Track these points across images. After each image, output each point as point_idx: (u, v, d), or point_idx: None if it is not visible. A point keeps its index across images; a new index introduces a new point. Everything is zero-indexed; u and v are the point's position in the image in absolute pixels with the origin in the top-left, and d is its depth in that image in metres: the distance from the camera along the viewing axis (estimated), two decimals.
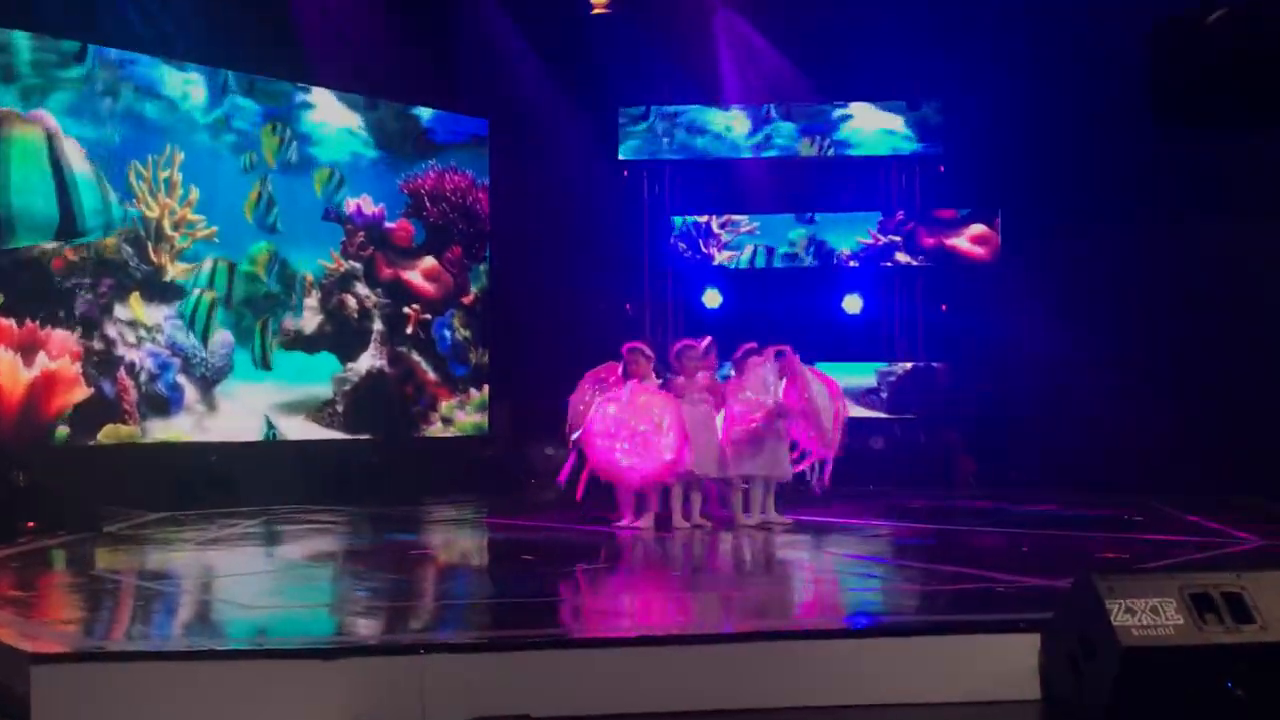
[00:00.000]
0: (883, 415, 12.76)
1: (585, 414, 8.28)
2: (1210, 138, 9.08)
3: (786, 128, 13.22)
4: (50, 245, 9.82)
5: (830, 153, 13.15)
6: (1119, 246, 11.70)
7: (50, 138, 9.73)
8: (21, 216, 9.64)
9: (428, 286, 12.57)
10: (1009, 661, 4.46)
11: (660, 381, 8.56)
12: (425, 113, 12.60)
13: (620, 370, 8.52)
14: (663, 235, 13.37)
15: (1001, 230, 12.73)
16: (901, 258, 13.11)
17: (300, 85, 11.63)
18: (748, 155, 13.22)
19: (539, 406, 11.98)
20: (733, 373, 8.63)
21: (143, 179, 10.45)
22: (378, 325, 12.16)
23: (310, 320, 11.66)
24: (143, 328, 10.44)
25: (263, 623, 5.29)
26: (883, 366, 13.06)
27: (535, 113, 12.47)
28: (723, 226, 13.30)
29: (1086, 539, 7.84)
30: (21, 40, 9.81)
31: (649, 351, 8.74)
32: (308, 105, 11.72)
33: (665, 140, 13.20)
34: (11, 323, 9.63)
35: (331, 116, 11.89)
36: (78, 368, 9.98)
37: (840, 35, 12.33)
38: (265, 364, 11.22)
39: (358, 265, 12.03)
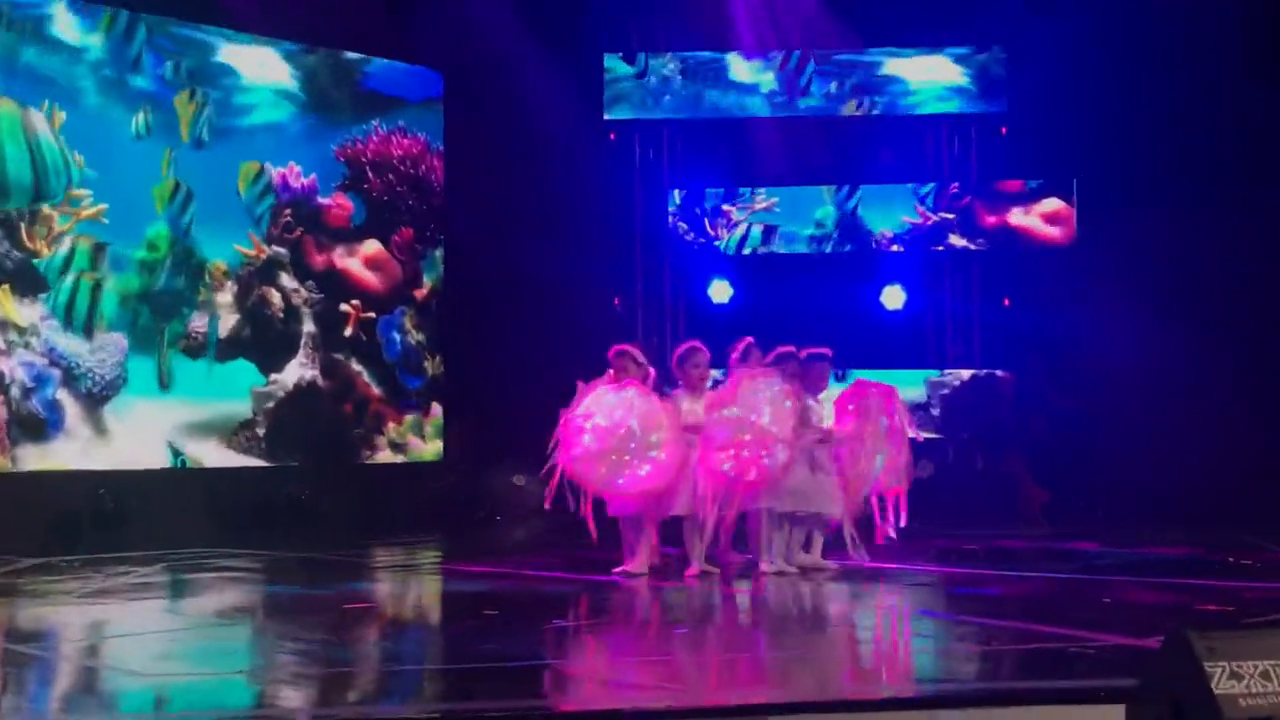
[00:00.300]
0: (932, 435, 12.78)
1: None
2: None
3: (813, 81, 13.24)
4: None
5: (868, 111, 13.18)
6: (1226, 229, 11.74)
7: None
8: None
9: (370, 278, 12.58)
10: None
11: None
12: (367, 62, 12.61)
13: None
14: (659, 213, 13.39)
15: (1078, 206, 12.77)
16: (956, 240, 13.15)
17: (216, 29, 11.63)
18: (765, 115, 13.25)
19: (505, 426, 12.00)
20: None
21: None
22: (308, 327, 12.16)
23: (224, 321, 11.65)
24: (14, 330, 10.43)
25: (162, 692, 5.27)
26: (933, 375, 13.09)
27: (501, 62, 12.48)
28: (733, 202, 13.31)
29: (1182, 587, 7.85)
30: None
31: (640, 357, 8.75)
32: (223, 53, 11.72)
33: (663, 97, 13.23)
34: None
35: (252, 67, 11.90)
36: None
37: None
38: (166, 381, 11.20)
39: (283, 251, 12.03)
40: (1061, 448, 12.43)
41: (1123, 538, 10.25)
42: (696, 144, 13.47)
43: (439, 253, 13.03)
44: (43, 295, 10.59)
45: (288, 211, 12.05)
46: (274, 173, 11.95)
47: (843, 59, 13.24)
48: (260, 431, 11.81)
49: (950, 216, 13.16)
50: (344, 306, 12.40)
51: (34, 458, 10.49)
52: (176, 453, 11.27)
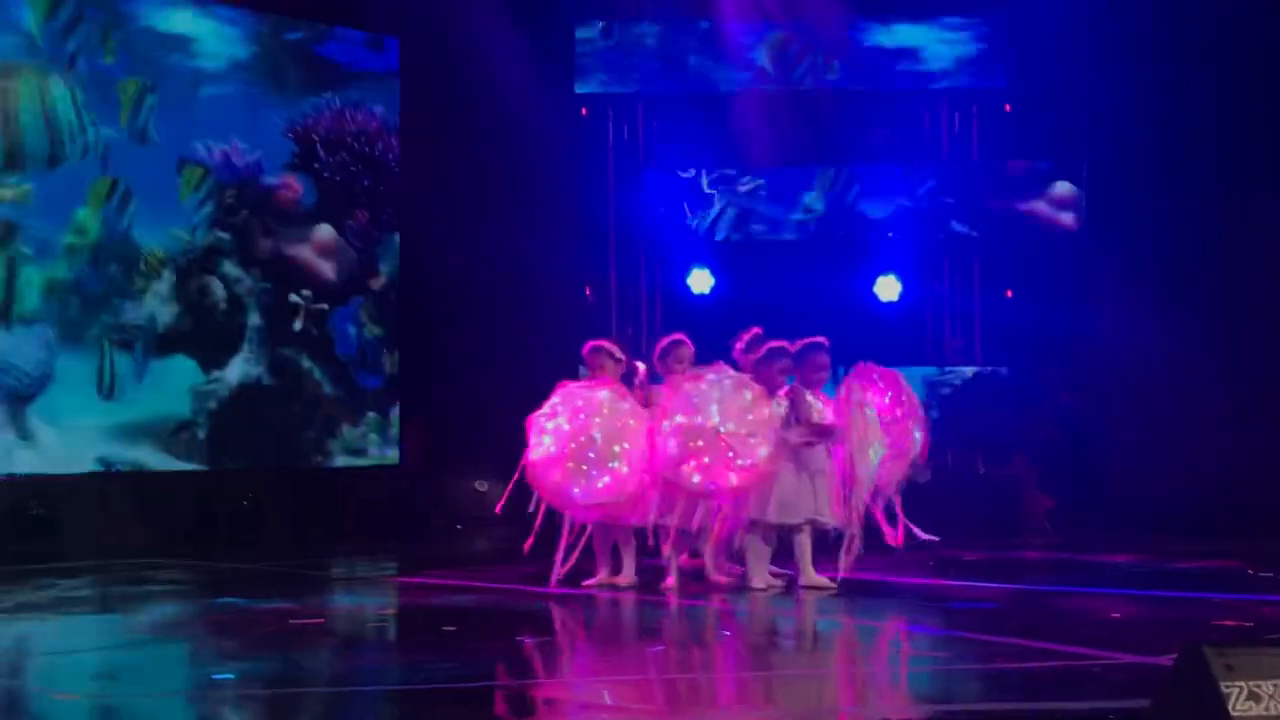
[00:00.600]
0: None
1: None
2: None
3: (801, 54, 13.25)
4: None
5: (859, 87, 13.19)
6: (1244, 217, 11.78)
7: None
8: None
9: (322, 266, 12.55)
10: None
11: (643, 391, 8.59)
12: (318, 30, 12.58)
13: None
14: (634, 196, 13.39)
15: (1087, 190, 12.81)
16: (956, 226, 13.17)
17: None
18: (749, 89, 13.24)
19: (467, 427, 11.99)
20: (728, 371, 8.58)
21: None
22: (254, 319, 12.13)
23: (161, 313, 11.61)
24: None
25: (92, 716, 5.25)
26: (930, 373, 13.11)
27: (463, 32, 12.46)
28: (714, 184, 13.31)
29: (1197, 602, 7.88)
30: None
31: (618, 352, 8.76)
32: (162, 19, 11.67)
33: (638, 69, 13.21)
34: None
35: (193, 35, 11.84)
36: None
37: None
38: (103, 379, 11.15)
39: (225, 237, 11.99)
40: (1068, 450, 12.48)
41: (1133, 547, 10.28)
42: (675, 120, 13.46)
43: (396, 239, 13.00)
44: None
45: (230, 193, 12.00)
46: (215, 151, 11.90)
47: (832, 26, 13.24)
48: (200, 435, 11.76)
49: (949, 201, 13.18)
50: (293, 297, 12.36)
51: None
52: (106, 456, 11.20)
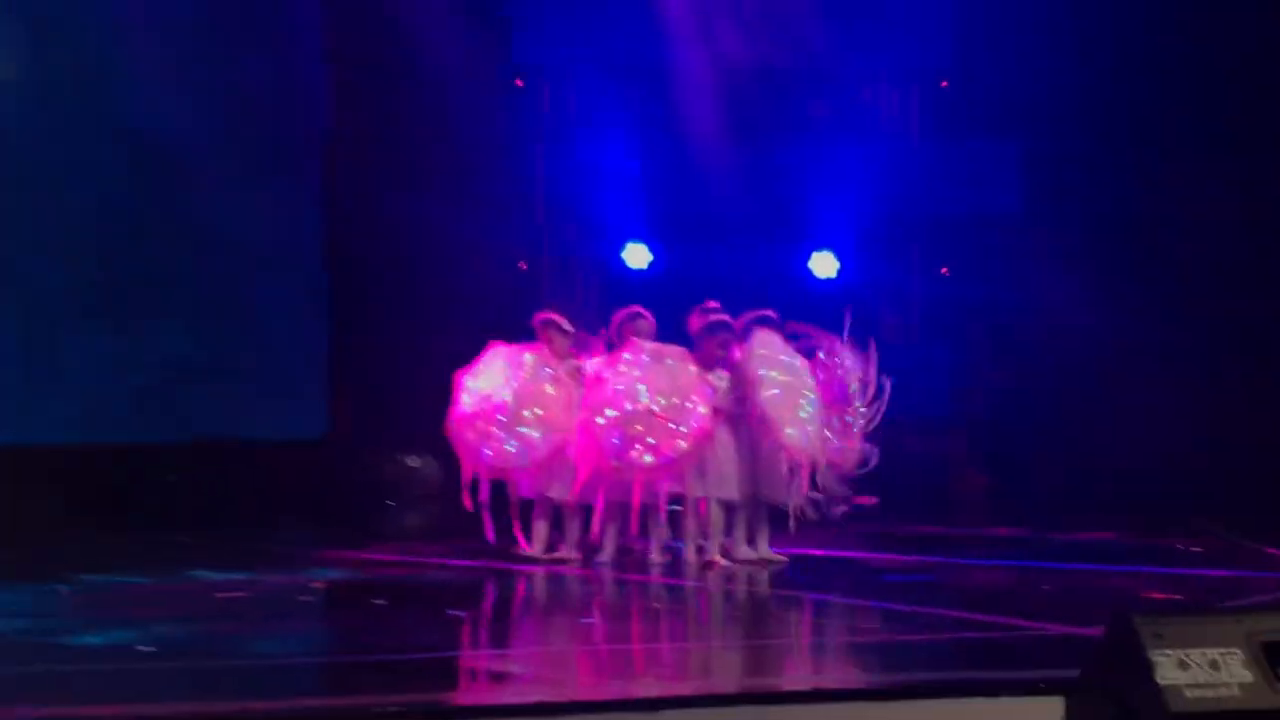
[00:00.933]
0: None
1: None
2: None
3: (738, 24, 13.20)
4: None
5: (796, 59, 13.16)
6: (1185, 193, 11.87)
7: None
8: None
9: None
10: None
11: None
12: None
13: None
14: (569, 168, 13.33)
15: (1021, 167, 12.88)
16: (894, 204, 13.20)
17: None
18: (687, 61, 13.18)
19: (398, 400, 11.91)
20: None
21: None
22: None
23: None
24: None
25: (5, 688, 5.21)
26: (863, 351, 13.14)
27: None
28: (649, 157, 13.27)
29: (1126, 576, 7.99)
30: None
31: (566, 324, 8.77)
32: None
33: (576, 35, 13.12)
34: None
35: None
36: None
37: None
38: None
39: None
40: (1002, 429, 12.57)
41: (1066, 523, 10.37)
42: (609, 90, 13.39)
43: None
44: None
45: None
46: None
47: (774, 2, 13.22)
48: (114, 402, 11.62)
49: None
50: None
51: None
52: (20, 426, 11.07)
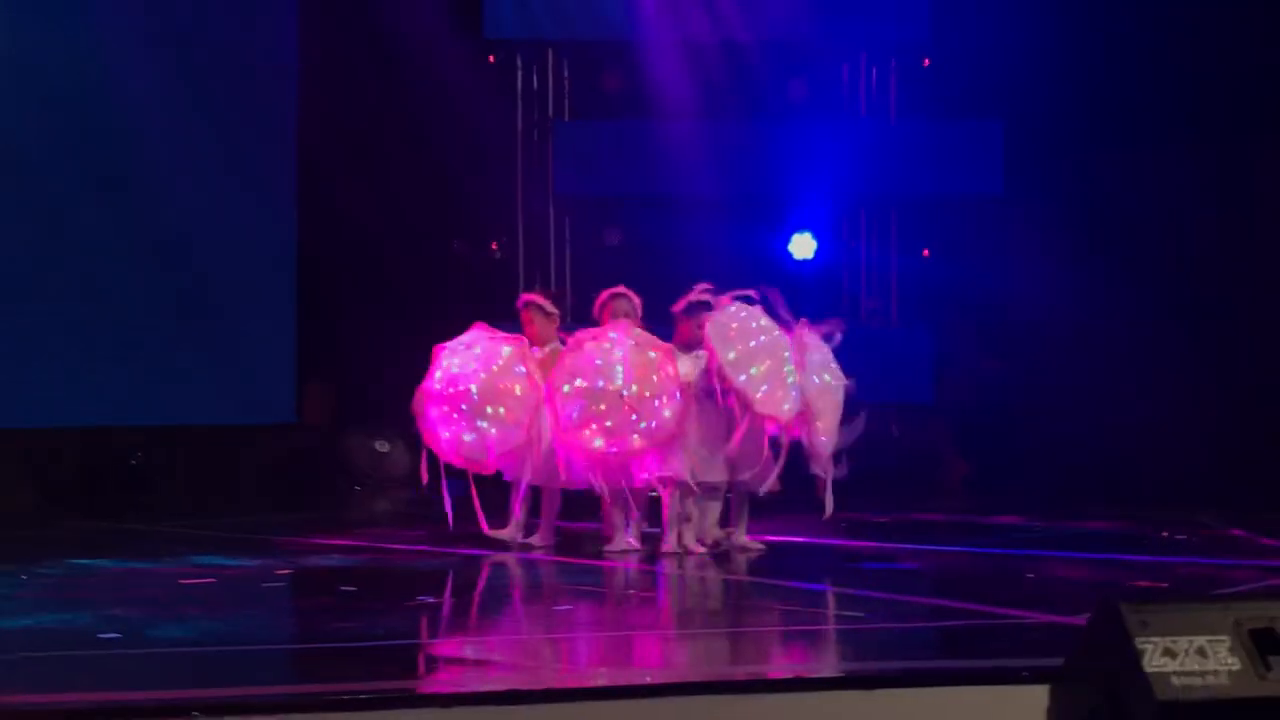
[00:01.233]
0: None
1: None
2: None
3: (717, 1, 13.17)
4: None
5: (774, 37, 13.13)
6: (1171, 174, 11.88)
7: None
8: None
9: None
10: None
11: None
12: None
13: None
14: (542, 148, 13.30)
15: (1005, 148, 12.88)
16: (872, 184, 13.20)
17: None
18: (662, 38, 13.15)
19: (368, 384, 11.89)
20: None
21: None
22: None
23: None
24: None
25: None
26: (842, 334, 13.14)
27: None
28: (626, 137, 13.23)
29: (1111, 564, 8.00)
30: None
31: (549, 306, 8.74)
32: None
33: (550, 12, 13.06)
34: None
35: None
36: None
37: None
38: None
39: None
40: (985, 414, 12.58)
41: (1049, 511, 10.40)
42: (585, 69, 13.35)
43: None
44: None
45: None
46: None
47: None
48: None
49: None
50: None
51: None
52: None
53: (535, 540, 8.60)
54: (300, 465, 12.27)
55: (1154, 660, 4.22)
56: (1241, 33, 11.47)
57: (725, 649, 6.02)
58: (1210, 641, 4.27)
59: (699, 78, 12.93)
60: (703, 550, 8.36)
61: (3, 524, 9.82)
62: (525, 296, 8.90)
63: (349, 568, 8.08)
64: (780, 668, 5.57)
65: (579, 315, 9.46)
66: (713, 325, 8.22)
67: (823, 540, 9.01)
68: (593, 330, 8.40)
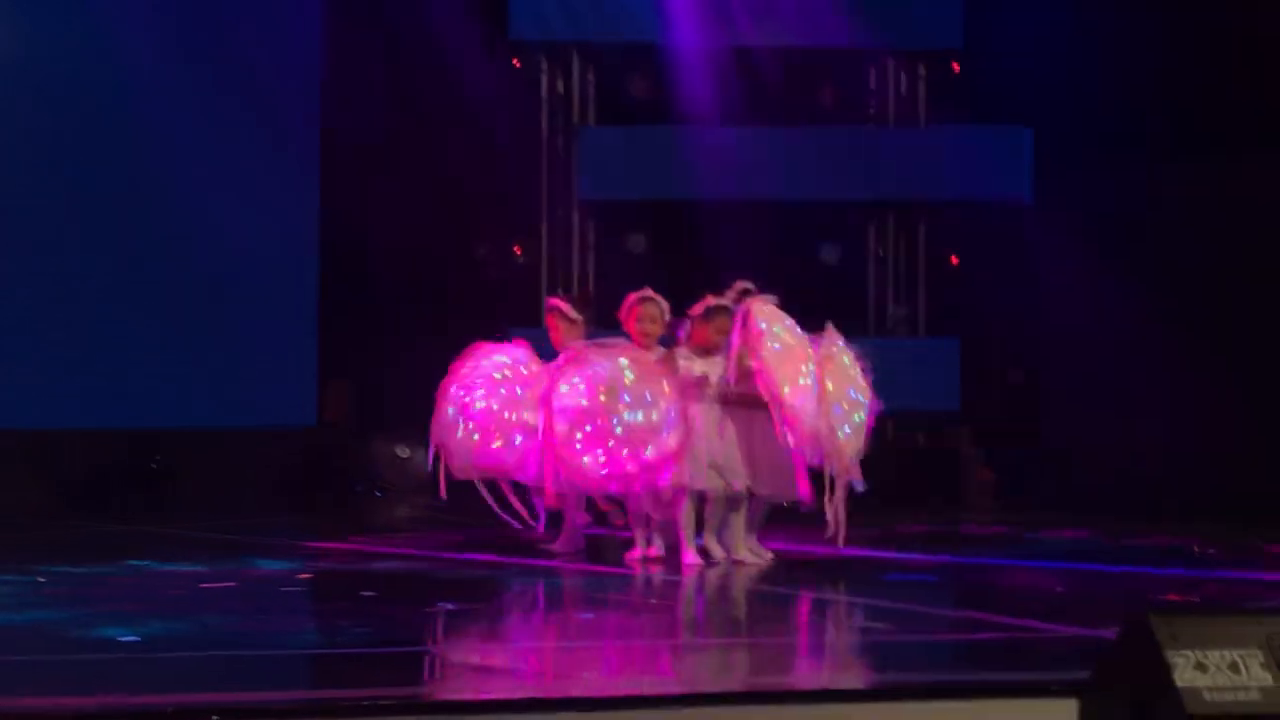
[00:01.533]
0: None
1: None
2: None
3: (744, 6, 13.16)
4: None
5: (802, 42, 13.13)
6: (1204, 184, 11.83)
7: None
8: None
9: None
10: None
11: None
12: None
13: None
14: (570, 153, 13.29)
15: (1034, 155, 12.86)
16: (901, 190, 13.18)
17: None
18: (691, 44, 13.15)
19: (391, 388, 11.90)
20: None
21: None
22: None
23: None
24: None
25: None
26: (869, 341, 13.11)
27: None
28: (652, 141, 13.23)
29: (1141, 577, 7.97)
30: None
31: (572, 312, 8.70)
32: None
33: (574, 16, 13.05)
34: None
35: None
36: None
37: None
38: None
39: None
40: (1012, 423, 12.55)
41: (1077, 523, 10.35)
42: (611, 73, 13.35)
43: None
44: None
45: None
46: None
47: None
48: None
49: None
50: None
51: None
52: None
53: (556, 547, 8.59)
54: (321, 468, 12.28)
55: (1185, 674, 4.20)
56: (1277, 42, 11.42)
57: (747, 660, 6.01)
58: (1242, 655, 4.25)
59: (725, 83, 12.92)
60: (723, 559, 8.29)
61: (21, 526, 9.83)
62: (550, 301, 8.89)
63: (369, 571, 8.10)
64: (809, 679, 5.56)
65: (604, 320, 9.43)
66: (760, 302, 8.15)
67: (850, 552, 8.96)
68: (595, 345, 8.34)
